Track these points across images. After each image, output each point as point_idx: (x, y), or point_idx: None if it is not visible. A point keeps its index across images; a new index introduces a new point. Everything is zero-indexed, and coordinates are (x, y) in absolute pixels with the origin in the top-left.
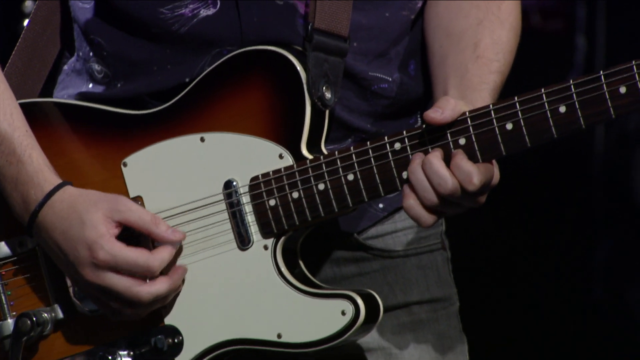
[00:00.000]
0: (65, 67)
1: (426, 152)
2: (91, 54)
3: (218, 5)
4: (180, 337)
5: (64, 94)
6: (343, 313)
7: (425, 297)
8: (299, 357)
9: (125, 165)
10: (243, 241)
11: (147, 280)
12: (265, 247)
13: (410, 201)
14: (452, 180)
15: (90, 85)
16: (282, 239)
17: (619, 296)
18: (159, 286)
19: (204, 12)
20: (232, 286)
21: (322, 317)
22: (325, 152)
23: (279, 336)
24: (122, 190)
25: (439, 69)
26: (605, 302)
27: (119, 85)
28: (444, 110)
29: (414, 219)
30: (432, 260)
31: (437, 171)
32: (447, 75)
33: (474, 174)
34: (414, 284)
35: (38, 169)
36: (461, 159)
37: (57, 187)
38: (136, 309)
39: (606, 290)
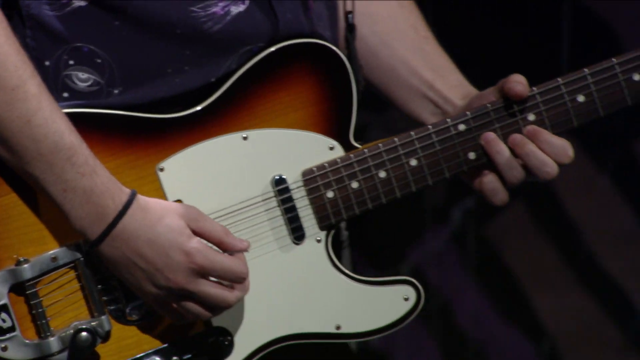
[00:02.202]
0: None
1: (494, 131)
2: (71, 62)
3: (247, 2)
4: (230, 338)
5: None
6: (406, 299)
7: None
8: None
9: (162, 170)
10: (297, 236)
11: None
12: (318, 240)
13: (490, 176)
14: (553, 163)
15: (65, 95)
16: (333, 230)
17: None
18: (244, 291)
19: (234, 9)
20: (285, 282)
21: (384, 305)
22: (353, 142)
23: (338, 327)
24: (159, 195)
25: (383, 51)
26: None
27: (115, 92)
28: (523, 83)
29: (491, 193)
30: None
31: (541, 159)
32: (404, 57)
33: (567, 146)
34: None
35: (111, 178)
36: (549, 135)
37: (133, 195)
38: (216, 313)
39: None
